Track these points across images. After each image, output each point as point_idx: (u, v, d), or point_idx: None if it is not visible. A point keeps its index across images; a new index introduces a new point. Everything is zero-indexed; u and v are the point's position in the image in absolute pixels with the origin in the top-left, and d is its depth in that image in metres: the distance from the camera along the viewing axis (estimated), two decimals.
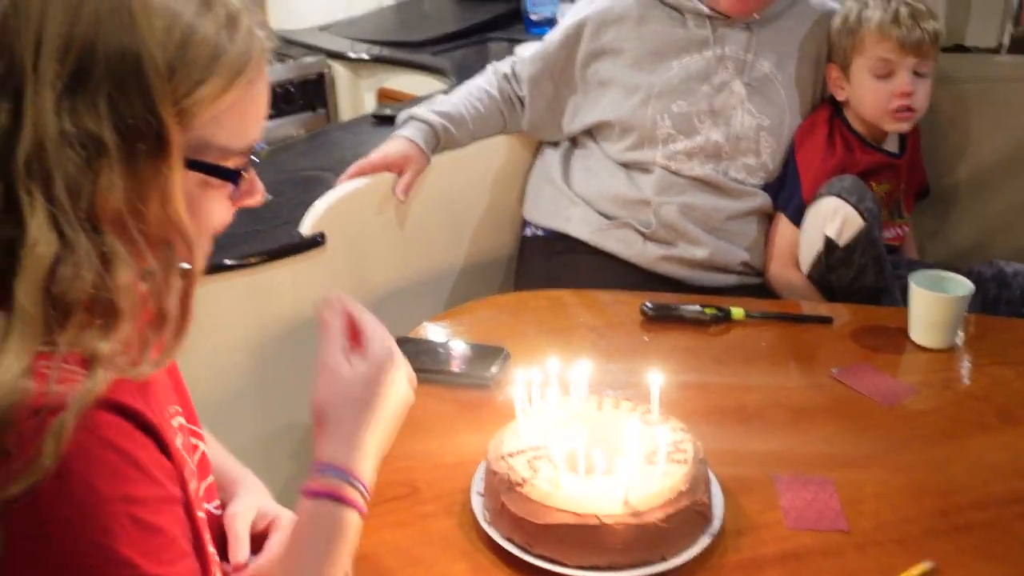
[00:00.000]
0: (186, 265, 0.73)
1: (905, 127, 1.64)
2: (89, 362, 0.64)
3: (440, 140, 1.66)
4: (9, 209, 0.65)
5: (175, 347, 0.72)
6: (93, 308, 0.66)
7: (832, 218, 1.50)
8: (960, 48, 1.93)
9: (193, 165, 0.71)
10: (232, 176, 0.75)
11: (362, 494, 0.79)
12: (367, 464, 0.80)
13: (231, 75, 0.71)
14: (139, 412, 0.67)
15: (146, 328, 0.71)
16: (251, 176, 0.78)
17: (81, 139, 0.65)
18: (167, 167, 0.68)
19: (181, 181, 0.69)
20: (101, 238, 0.66)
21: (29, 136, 0.65)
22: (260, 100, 0.75)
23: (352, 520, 0.78)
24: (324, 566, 0.77)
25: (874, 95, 1.61)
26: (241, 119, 0.74)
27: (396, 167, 1.59)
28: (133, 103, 0.66)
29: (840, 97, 1.68)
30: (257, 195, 0.79)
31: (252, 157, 0.77)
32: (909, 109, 1.60)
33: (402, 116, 1.68)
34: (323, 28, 2.76)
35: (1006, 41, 1.95)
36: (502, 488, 0.94)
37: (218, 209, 0.76)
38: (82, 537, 0.63)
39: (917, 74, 1.60)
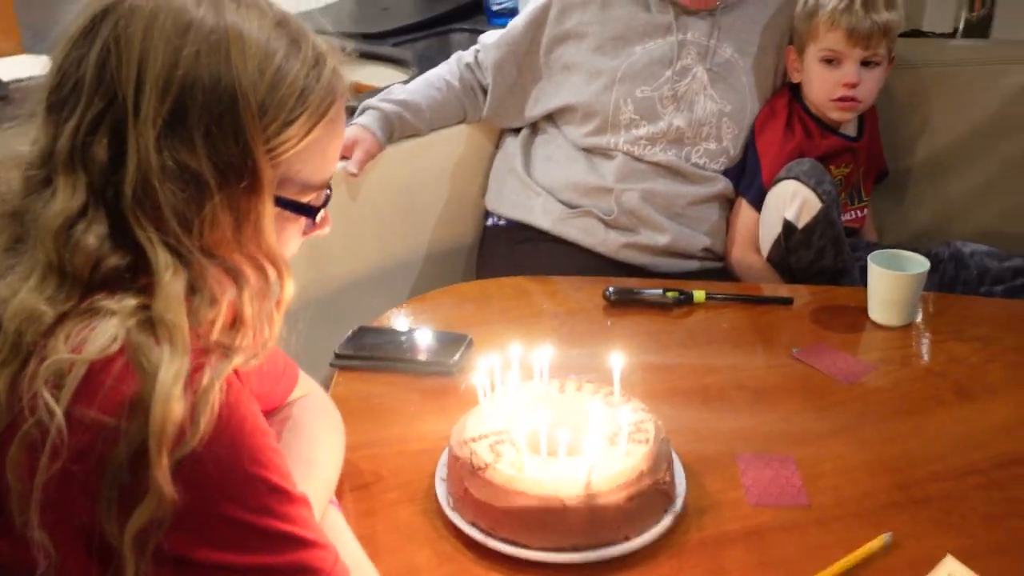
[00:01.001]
0: (275, 281, 0.77)
1: (848, 116, 1.66)
2: (224, 350, 0.71)
3: (395, 127, 1.65)
4: (118, 237, 0.69)
5: (267, 347, 0.77)
6: (226, 315, 0.73)
7: (791, 201, 1.51)
8: (917, 33, 1.95)
9: (279, 201, 0.75)
10: (313, 213, 0.79)
11: None
12: None
13: (316, 115, 0.74)
14: (240, 376, 0.74)
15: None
16: (325, 210, 0.81)
17: (183, 175, 0.68)
18: (260, 202, 0.72)
19: (271, 214, 0.73)
20: (218, 261, 0.71)
21: (133, 171, 0.68)
22: (340, 138, 0.79)
23: None
24: None
25: (820, 82, 1.63)
26: (322, 156, 0.77)
27: (347, 151, 1.58)
28: (228, 141, 0.69)
29: (796, 79, 1.69)
30: (326, 228, 0.83)
31: (327, 191, 0.80)
32: (853, 99, 1.61)
33: (360, 107, 1.67)
34: None
35: (961, 26, 1.98)
36: (465, 473, 0.93)
37: (292, 240, 0.80)
38: (248, 478, 0.69)
39: (866, 64, 1.61)
